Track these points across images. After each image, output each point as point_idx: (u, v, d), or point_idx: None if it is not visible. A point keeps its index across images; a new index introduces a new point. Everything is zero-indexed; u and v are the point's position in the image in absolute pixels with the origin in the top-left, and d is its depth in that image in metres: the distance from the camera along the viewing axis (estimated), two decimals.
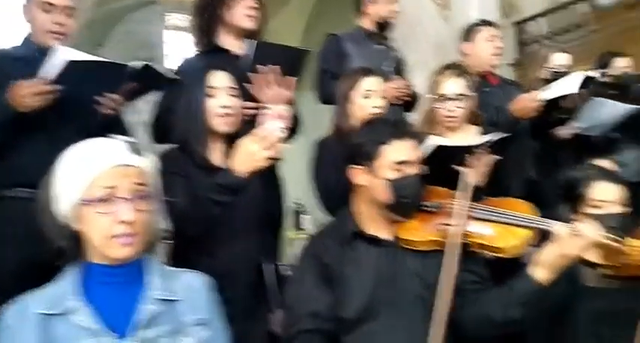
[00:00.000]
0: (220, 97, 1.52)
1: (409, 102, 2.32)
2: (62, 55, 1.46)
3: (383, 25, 2.45)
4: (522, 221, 1.35)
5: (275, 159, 1.36)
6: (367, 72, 1.91)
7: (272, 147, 1.30)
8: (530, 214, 1.39)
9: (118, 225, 0.95)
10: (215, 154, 1.52)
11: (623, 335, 1.28)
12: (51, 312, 0.95)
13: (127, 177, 0.97)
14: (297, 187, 2.45)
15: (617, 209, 1.39)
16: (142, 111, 1.93)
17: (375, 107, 1.83)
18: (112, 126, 1.53)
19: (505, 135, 1.70)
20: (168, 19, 5.98)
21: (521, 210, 1.40)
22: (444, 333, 1.21)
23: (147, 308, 0.98)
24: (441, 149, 1.60)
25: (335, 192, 1.60)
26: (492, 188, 1.64)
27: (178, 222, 1.39)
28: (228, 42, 1.88)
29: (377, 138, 1.35)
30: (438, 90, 1.90)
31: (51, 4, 1.65)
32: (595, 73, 2.36)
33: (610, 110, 2.37)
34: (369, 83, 1.86)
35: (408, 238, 1.35)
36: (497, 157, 1.70)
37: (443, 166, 1.48)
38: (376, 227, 1.38)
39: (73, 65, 1.44)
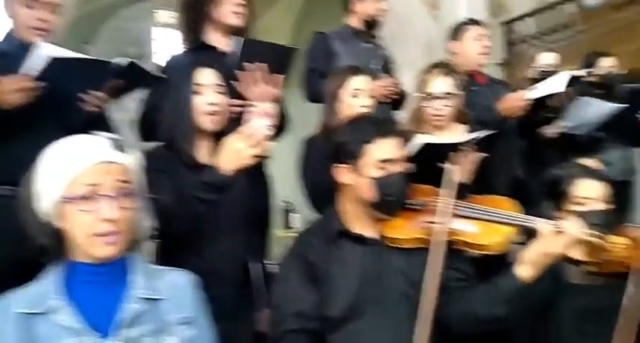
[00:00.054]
0: (207, 94, 1.51)
1: (397, 100, 2.32)
2: (45, 52, 1.44)
3: (371, 24, 2.45)
4: (505, 218, 1.36)
5: (261, 157, 1.35)
6: (356, 71, 1.91)
7: (258, 144, 1.30)
8: (514, 212, 1.40)
9: (101, 223, 0.94)
10: (202, 152, 1.52)
11: (606, 331, 1.28)
12: (32, 311, 0.94)
13: (110, 174, 0.96)
14: (286, 186, 2.45)
15: (601, 206, 1.41)
16: (128, 108, 1.92)
17: (363, 106, 1.83)
18: (97, 123, 1.51)
19: (491, 132, 1.71)
20: (157, 16, 5.93)
21: (505, 207, 1.42)
22: (430, 331, 1.21)
23: (130, 307, 0.97)
24: (428, 147, 1.60)
25: (323, 191, 1.59)
26: (479, 186, 1.65)
27: (163, 220, 1.38)
28: (216, 39, 1.87)
29: (361, 136, 1.34)
30: (425, 89, 1.91)
31: None
32: (581, 73, 2.38)
33: (595, 109, 2.40)
34: (358, 82, 1.86)
35: (393, 236, 1.35)
36: (484, 155, 1.71)
37: (430, 164, 1.48)
38: (361, 225, 1.38)
39: (55, 62, 1.43)
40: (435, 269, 1.24)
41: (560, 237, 1.19)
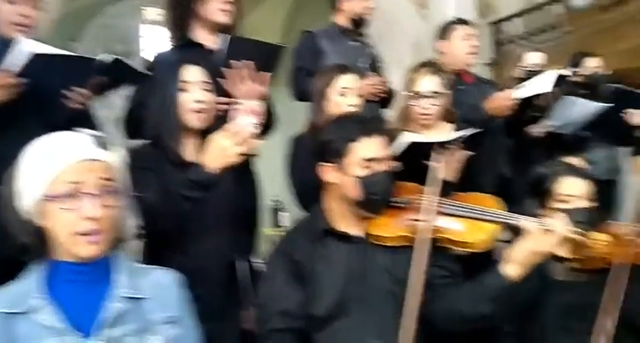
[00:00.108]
0: (194, 92, 1.50)
1: (385, 98, 2.33)
2: (26, 48, 1.42)
3: (358, 22, 2.45)
4: (489, 216, 1.37)
5: (248, 155, 1.35)
6: (343, 69, 1.91)
7: (244, 142, 1.29)
8: (498, 209, 1.41)
9: (84, 222, 0.93)
10: (188, 150, 1.51)
11: (591, 328, 1.30)
12: (13, 311, 0.93)
13: (93, 172, 0.95)
14: (276, 184, 2.44)
15: (584, 204, 1.42)
16: (114, 106, 1.90)
17: (351, 105, 1.84)
18: (81, 120, 1.49)
19: (477, 130, 1.71)
20: (145, 13, 5.89)
21: (489, 205, 1.43)
22: (415, 329, 1.22)
23: (113, 307, 0.97)
24: (414, 145, 1.61)
25: (310, 189, 1.59)
26: (465, 184, 1.65)
27: (149, 218, 1.37)
28: (203, 36, 1.85)
29: (346, 135, 1.34)
30: (412, 88, 1.91)
31: None
32: (567, 72, 2.40)
33: (581, 109, 2.42)
34: (345, 81, 1.86)
35: (378, 234, 1.35)
36: (470, 153, 1.72)
37: (417, 162, 1.48)
38: (347, 224, 1.38)
39: (37, 58, 1.41)
40: (419, 266, 1.25)
41: (546, 235, 1.20)
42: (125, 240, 1.05)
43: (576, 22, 4.60)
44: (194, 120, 1.50)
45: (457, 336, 1.36)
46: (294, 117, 2.19)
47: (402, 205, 1.41)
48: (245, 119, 1.30)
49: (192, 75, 1.51)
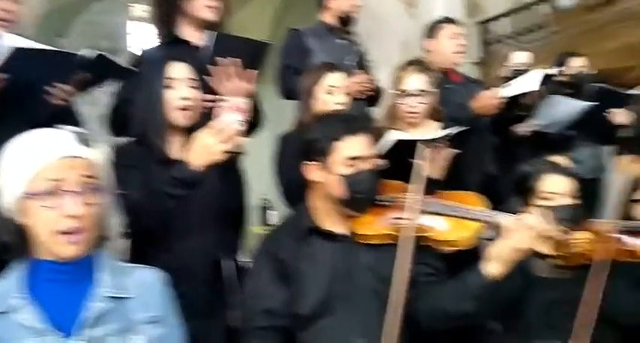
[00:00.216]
0: (180, 89, 1.49)
1: (373, 96, 2.32)
2: (7, 42, 1.40)
3: (345, 20, 2.45)
4: (472, 214, 1.38)
5: (233, 153, 1.34)
6: (331, 67, 1.91)
7: (229, 140, 1.28)
8: (482, 207, 1.41)
9: (65, 220, 0.92)
10: (174, 147, 1.49)
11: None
12: None
13: (75, 169, 0.93)
14: (264, 183, 2.43)
15: (567, 201, 1.43)
16: (99, 102, 1.88)
17: (338, 103, 1.83)
18: (64, 117, 1.47)
19: (463, 128, 1.72)
20: (132, 9, 5.84)
21: (472, 202, 1.43)
22: (399, 327, 1.22)
23: (95, 306, 0.95)
24: (400, 143, 1.61)
25: (297, 187, 1.59)
26: (451, 182, 1.66)
27: (133, 216, 1.36)
28: (189, 33, 1.84)
29: (330, 134, 1.34)
30: (400, 86, 1.92)
31: None
32: (553, 71, 2.42)
33: (566, 108, 2.44)
34: (333, 79, 1.87)
35: (362, 233, 1.35)
36: (456, 151, 1.72)
37: (403, 160, 1.49)
38: (332, 222, 1.38)
39: (19, 53, 1.38)
40: (403, 265, 1.25)
41: (525, 232, 1.20)
42: (108, 239, 1.04)
43: (563, 22, 4.65)
44: (180, 118, 1.48)
45: (441, 334, 1.37)
46: (283, 115, 2.19)
47: (387, 203, 1.41)
48: (230, 116, 1.29)
49: (178, 72, 1.50)
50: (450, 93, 2.24)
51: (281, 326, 1.31)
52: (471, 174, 1.96)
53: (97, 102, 1.90)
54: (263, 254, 1.39)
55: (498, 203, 1.54)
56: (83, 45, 1.56)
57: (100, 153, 1.00)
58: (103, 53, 1.47)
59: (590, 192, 2.49)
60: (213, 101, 1.53)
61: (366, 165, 1.34)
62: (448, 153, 1.70)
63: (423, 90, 1.90)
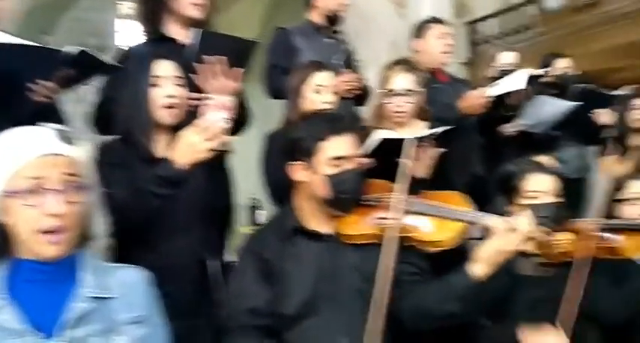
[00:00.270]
0: (165, 87, 1.48)
1: (360, 95, 2.32)
2: None
3: (333, 19, 2.44)
4: (457, 215, 1.38)
5: (219, 151, 1.33)
6: (318, 66, 1.90)
7: (214, 138, 1.27)
8: (465, 207, 1.42)
9: (47, 218, 0.90)
10: (159, 145, 1.48)
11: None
12: None
13: (56, 167, 0.92)
14: (252, 182, 2.42)
15: (550, 199, 1.44)
16: (83, 100, 1.86)
17: (326, 102, 1.83)
18: (47, 114, 1.45)
19: (449, 127, 1.73)
20: (120, 7, 5.79)
21: (457, 202, 1.44)
22: (383, 326, 1.22)
23: (77, 307, 0.94)
24: (386, 142, 1.61)
25: (284, 187, 1.58)
26: (438, 181, 1.66)
27: (117, 215, 1.34)
28: (175, 31, 1.82)
29: (315, 134, 1.34)
30: (386, 86, 1.92)
31: None
32: (539, 72, 2.45)
33: (552, 108, 2.47)
34: (321, 78, 1.86)
35: (347, 233, 1.35)
36: (443, 150, 1.73)
37: (389, 160, 1.49)
38: (317, 222, 1.38)
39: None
40: (387, 264, 1.25)
41: (512, 234, 1.21)
42: (91, 238, 1.02)
43: (549, 24, 4.69)
44: (165, 116, 1.47)
45: (424, 333, 1.37)
46: (271, 113, 2.18)
47: (372, 203, 1.41)
48: (215, 114, 1.28)
49: (164, 69, 1.49)
50: (437, 92, 2.24)
51: (264, 326, 1.31)
52: (457, 174, 1.97)
53: (81, 99, 1.88)
54: (248, 253, 1.39)
55: (484, 202, 1.55)
56: (70, 42, 1.53)
57: (83, 151, 0.99)
58: (85, 49, 1.45)
59: (574, 192, 2.52)
60: (198, 99, 1.52)
61: (350, 165, 1.34)
62: (434, 152, 1.71)
63: (410, 90, 1.90)
